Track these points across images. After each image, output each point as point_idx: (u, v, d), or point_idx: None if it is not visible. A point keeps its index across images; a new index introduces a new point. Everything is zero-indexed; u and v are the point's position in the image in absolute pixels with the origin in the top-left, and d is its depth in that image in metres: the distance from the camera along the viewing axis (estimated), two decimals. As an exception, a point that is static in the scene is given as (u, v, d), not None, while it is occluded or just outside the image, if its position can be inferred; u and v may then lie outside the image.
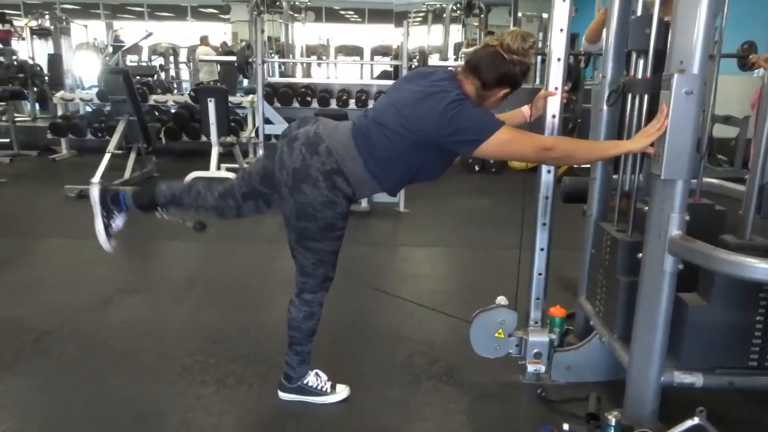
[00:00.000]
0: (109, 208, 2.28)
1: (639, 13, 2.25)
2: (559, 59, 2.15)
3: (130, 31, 14.58)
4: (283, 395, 2.27)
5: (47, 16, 9.66)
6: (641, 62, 2.09)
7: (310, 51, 14.10)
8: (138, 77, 7.93)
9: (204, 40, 12.67)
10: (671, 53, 1.78)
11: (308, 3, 12.09)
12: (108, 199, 2.27)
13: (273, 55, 10.47)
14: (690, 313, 1.96)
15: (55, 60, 8.73)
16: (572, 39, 6.24)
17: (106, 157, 5.58)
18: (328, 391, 2.26)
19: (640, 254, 1.97)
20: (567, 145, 2.00)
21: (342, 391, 2.28)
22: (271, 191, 2.09)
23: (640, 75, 2.09)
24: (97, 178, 5.35)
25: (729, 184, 2.58)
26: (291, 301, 2.17)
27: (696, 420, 1.87)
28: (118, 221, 2.32)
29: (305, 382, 2.25)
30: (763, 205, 1.89)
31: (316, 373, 2.27)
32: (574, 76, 6.12)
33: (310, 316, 2.15)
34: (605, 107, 2.40)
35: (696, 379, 1.97)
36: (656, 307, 1.90)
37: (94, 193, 2.26)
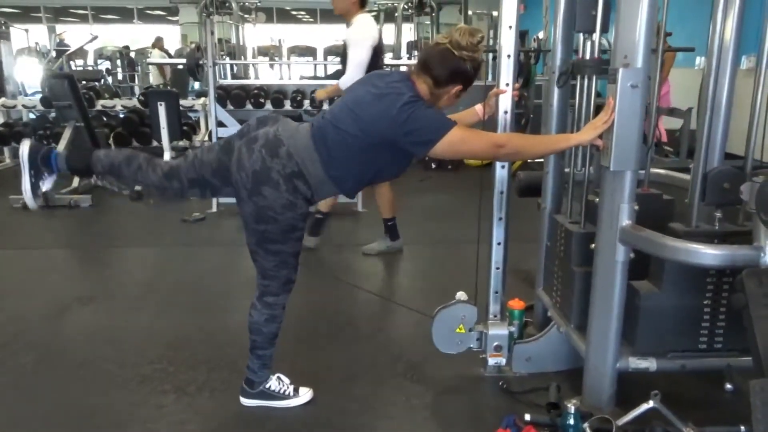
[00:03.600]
0: (38, 168, 2.15)
1: None
2: (509, 56, 2.19)
3: (75, 34, 14.15)
4: (245, 401, 2.24)
5: (-16, 21, 9.27)
6: (588, 44, 2.15)
7: (262, 52, 13.92)
8: (84, 82, 7.69)
9: (157, 43, 12.38)
10: (615, 48, 1.84)
11: (258, 3, 11.94)
12: (38, 159, 2.14)
13: (224, 56, 10.30)
14: (642, 300, 2.02)
15: (-6, 66, 8.39)
16: (522, 35, 6.35)
17: (53, 165, 5.40)
18: (291, 394, 2.24)
19: (593, 245, 2.02)
20: (518, 141, 2.03)
21: (305, 394, 2.26)
22: (222, 185, 2.04)
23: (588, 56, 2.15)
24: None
25: (675, 174, 2.67)
26: (252, 305, 2.15)
27: (651, 403, 1.93)
28: (47, 183, 2.20)
29: (267, 386, 2.22)
30: (707, 192, 1.97)
31: (278, 377, 2.25)
32: (525, 72, 6.22)
33: (272, 319, 2.13)
34: (555, 104, 2.46)
35: (650, 364, 2.03)
36: (610, 295, 1.96)
37: (24, 149, 2.13)
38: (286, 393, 2.24)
